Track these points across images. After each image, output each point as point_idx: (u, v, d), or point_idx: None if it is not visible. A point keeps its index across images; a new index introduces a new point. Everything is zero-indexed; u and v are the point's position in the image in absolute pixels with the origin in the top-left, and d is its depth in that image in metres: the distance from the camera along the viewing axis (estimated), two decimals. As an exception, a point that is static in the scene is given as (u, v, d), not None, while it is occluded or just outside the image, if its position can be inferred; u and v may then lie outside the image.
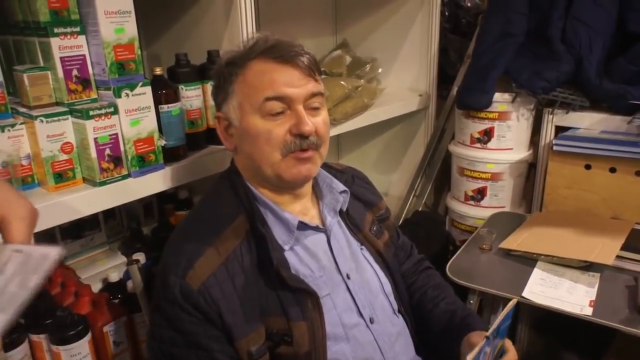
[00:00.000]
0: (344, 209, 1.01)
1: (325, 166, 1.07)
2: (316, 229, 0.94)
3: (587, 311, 1.14)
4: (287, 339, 0.84)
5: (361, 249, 1.01)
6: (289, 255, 0.90)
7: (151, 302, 0.92)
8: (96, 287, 1.30)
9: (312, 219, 0.96)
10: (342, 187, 1.00)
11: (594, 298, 1.18)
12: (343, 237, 0.99)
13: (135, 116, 1.06)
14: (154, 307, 0.87)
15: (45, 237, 1.23)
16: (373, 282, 0.99)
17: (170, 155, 1.16)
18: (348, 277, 0.94)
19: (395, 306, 1.02)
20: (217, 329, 0.81)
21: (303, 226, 0.92)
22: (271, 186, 0.93)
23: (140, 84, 1.05)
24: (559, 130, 1.67)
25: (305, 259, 0.91)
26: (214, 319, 0.81)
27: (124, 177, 1.06)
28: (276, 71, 0.86)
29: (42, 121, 0.97)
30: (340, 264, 0.94)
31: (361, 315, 0.93)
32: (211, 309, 0.80)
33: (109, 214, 1.51)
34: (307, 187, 0.98)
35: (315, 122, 0.88)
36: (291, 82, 0.86)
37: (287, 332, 0.84)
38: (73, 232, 1.39)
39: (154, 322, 0.86)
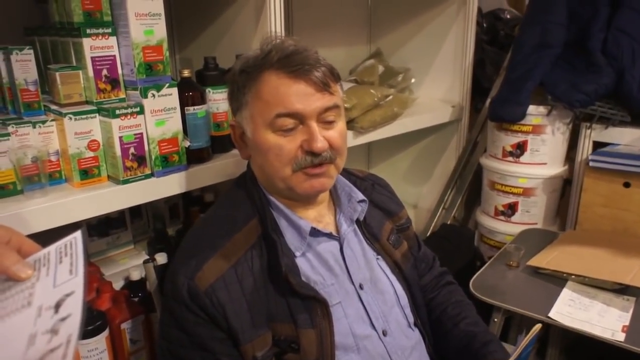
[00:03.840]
0: (361, 219, 0.99)
1: (346, 173, 1.05)
2: (329, 236, 0.93)
3: (619, 337, 1.08)
4: (294, 346, 0.82)
5: (377, 258, 0.98)
6: (301, 262, 0.89)
7: (162, 302, 0.92)
8: (119, 285, 1.32)
9: (327, 225, 0.95)
10: (361, 196, 0.98)
11: (627, 323, 1.12)
12: (358, 246, 0.97)
13: (161, 117, 1.07)
14: (163, 307, 0.87)
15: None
16: (388, 293, 0.96)
17: (195, 156, 1.17)
18: (361, 287, 0.92)
19: (411, 319, 0.99)
20: (222, 332, 0.81)
21: (316, 232, 0.91)
22: (284, 195, 0.92)
23: (167, 85, 1.07)
24: (598, 146, 1.61)
25: (317, 266, 0.90)
26: (220, 322, 0.80)
27: (147, 177, 1.08)
28: (289, 86, 0.84)
29: (70, 118, 0.99)
30: (352, 273, 0.92)
31: (373, 326, 0.91)
32: (217, 312, 0.80)
33: (136, 213, 1.53)
34: (323, 195, 0.96)
35: (330, 135, 0.86)
36: (304, 97, 0.83)
37: (295, 339, 0.83)
38: (100, 229, 1.42)
39: (163, 322, 0.86)
